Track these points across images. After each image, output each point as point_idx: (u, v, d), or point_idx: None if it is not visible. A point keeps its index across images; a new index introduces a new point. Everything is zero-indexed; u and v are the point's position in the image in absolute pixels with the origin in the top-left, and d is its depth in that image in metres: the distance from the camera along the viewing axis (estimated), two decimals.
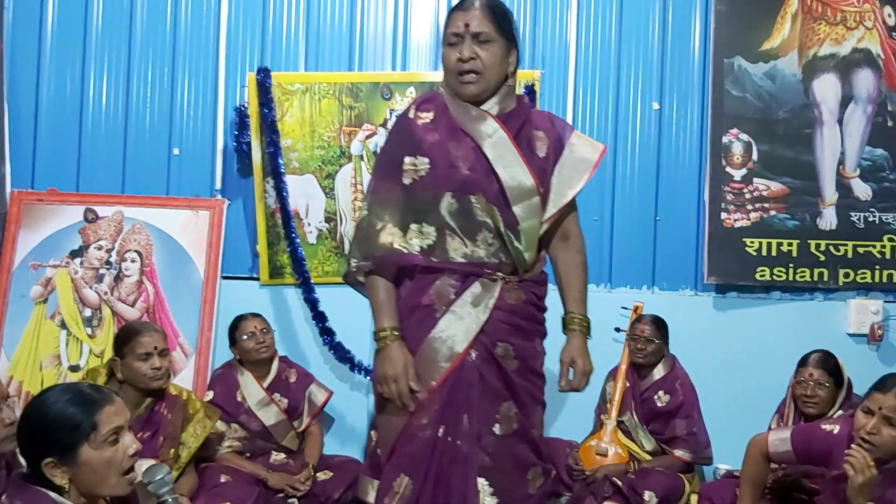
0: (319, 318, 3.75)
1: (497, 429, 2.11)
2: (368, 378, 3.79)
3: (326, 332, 3.76)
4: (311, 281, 3.75)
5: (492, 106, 2.14)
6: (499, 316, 2.11)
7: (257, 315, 3.53)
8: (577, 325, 2.20)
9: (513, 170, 2.11)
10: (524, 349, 2.16)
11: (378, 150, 3.76)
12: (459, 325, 2.10)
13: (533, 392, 2.18)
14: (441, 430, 2.08)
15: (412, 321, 2.12)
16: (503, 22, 2.10)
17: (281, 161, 3.71)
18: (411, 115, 2.17)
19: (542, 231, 2.18)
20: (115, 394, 1.86)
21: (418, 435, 2.08)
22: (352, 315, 3.74)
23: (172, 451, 2.89)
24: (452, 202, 2.10)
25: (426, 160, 2.11)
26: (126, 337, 2.89)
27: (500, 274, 2.13)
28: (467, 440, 2.08)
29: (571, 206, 2.22)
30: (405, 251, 2.11)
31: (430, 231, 2.13)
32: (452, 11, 2.12)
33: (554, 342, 2.26)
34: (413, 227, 2.13)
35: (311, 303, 3.75)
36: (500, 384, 2.12)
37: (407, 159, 2.12)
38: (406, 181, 2.12)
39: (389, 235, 2.11)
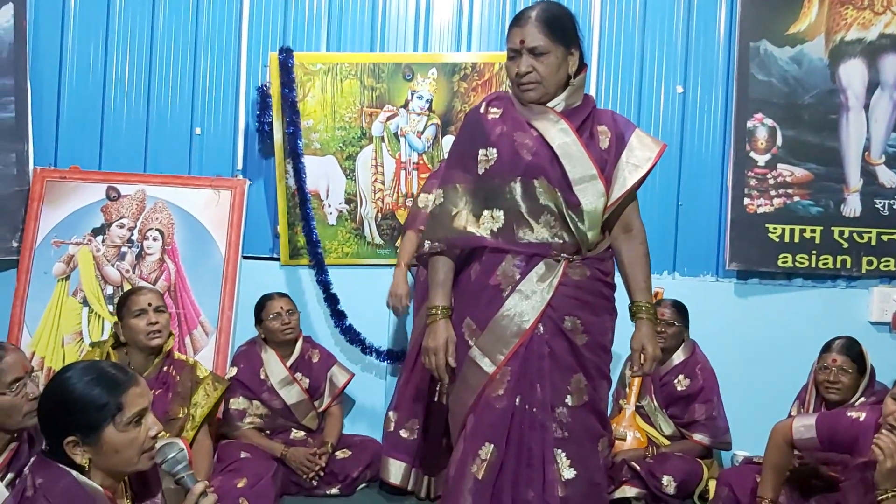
0: (331, 300, 3.76)
1: (569, 400, 2.22)
2: (382, 360, 3.81)
3: (338, 315, 3.76)
4: (325, 263, 3.75)
5: (557, 103, 2.25)
6: (564, 291, 2.22)
7: (284, 295, 3.54)
8: (645, 313, 2.28)
9: (574, 156, 2.21)
10: (592, 324, 2.25)
11: (397, 132, 3.81)
12: (526, 302, 2.21)
13: (600, 366, 2.28)
14: (518, 400, 2.20)
15: (482, 300, 2.24)
16: (557, 31, 2.19)
17: (300, 142, 3.70)
18: (482, 110, 2.31)
19: (605, 216, 2.27)
20: (138, 375, 1.86)
21: (495, 406, 2.20)
22: (369, 298, 3.77)
23: (183, 409, 2.93)
24: (518, 187, 2.22)
25: (494, 150, 2.24)
26: (123, 300, 3.00)
27: (563, 255, 2.23)
28: (541, 407, 2.20)
29: (632, 197, 2.30)
30: (476, 234, 2.25)
31: (500, 215, 2.24)
32: (511, 26, 2.24)
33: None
34: (486, 212, 2.26)
35: (324, 285, 3.75)
36: (569, 357, 2.22)
37: (480, 151, 2.25)
38: (480, 171, 2.25)
39: (463, 220, 2.26)
